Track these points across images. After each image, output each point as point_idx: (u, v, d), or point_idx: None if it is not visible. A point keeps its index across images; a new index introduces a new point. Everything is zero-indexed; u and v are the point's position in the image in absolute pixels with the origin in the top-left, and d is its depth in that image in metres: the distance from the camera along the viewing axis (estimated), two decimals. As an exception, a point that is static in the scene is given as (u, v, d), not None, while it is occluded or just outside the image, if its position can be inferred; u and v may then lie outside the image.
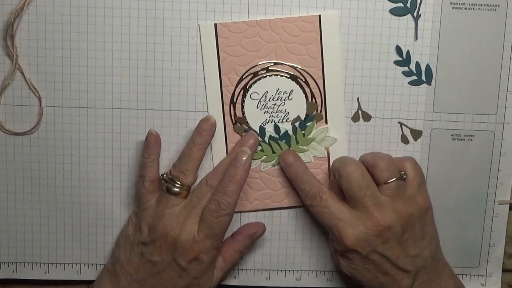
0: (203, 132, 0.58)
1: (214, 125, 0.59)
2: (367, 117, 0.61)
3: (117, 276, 0.58)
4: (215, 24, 0.59)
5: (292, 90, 0.60)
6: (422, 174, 0.58)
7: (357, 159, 0.60)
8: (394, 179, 0.56)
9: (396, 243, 0.55)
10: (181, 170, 0.57)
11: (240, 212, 0.62)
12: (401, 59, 0.60)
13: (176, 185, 0.57)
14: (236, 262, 0.61)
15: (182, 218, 0.56)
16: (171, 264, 0.56)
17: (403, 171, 0.57)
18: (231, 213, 0.56)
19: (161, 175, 0.58)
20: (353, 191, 0.55)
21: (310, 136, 0.61)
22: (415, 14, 0.59)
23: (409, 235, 0.56)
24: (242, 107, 0.60)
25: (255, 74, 0.60)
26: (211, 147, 0.60)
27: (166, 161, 0.61)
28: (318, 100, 0.60)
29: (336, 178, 0.58)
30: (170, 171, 0.58)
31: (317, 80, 0.60)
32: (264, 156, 0.61)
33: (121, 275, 0.58)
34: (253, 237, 0.61)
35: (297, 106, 0.60)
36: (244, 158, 0.56)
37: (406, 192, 0.57)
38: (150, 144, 0.59)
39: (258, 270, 0.64)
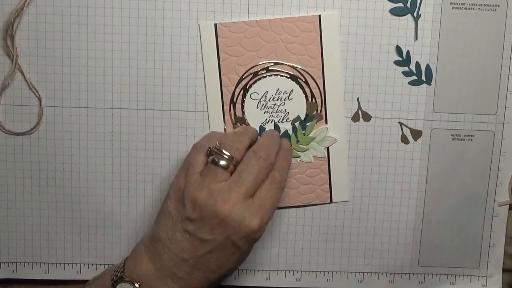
0: None
1: None
2: (367, 117, 0.61)
3: (160, 255, 0.54)
4: (215, 24, 0.59)
5: (292, 90, 0.60)
6: None
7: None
8: None
9: None
10: (238, 141, 0.55)
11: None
12: (401, 59, 0.60)
13: (225, 156, 0.54)
14: None
15: (234, 196, 0.52)
16: (225, 243, 0.53)
17: None
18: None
19: (208, 148, 0.55)
20: None
21: (310, 136, 0.61)
22: (415, 14, 0.59)
23: None
24: (242, 107, 0.60)
25: (255, 74, 0.60)
26: (211, 147, 0.61)
27: (165, 161, 0.61)
28: (318, 100, 0.60)
29: None
30: (218, 143, 0.55)
31: (317, 80, 0.60)
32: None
33: (164, 255, 0.54)
34: None
35: (297, 106, 0.60)
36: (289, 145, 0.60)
37: None
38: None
39: (258, 270, 0.64)
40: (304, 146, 0.61)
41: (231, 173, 0.54)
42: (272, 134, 0.58)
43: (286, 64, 0.60)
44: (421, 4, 0.59)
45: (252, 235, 0.53)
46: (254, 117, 0.60)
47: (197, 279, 0.54)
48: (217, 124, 0.60)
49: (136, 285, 0.53)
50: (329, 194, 0.62)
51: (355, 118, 0.61)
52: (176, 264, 0.53)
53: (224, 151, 0.54)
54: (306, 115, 0.61)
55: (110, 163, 0.61)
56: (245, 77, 0.60)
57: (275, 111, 0.60)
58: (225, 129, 0.60)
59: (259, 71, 0.60)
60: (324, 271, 0.64)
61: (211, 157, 0.54)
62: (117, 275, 0.54)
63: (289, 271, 0.64)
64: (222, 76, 0.60)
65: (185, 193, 0.54)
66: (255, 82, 0.60)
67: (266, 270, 0.64)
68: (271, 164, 0.55)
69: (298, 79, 0.60)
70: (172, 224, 0.54)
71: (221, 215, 0.52)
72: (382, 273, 0.64)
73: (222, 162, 0.54)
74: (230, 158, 0.54)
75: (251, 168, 0.53)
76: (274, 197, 0.54)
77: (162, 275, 0.53)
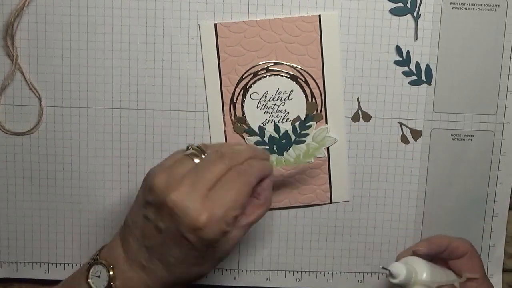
0: None
1: None
2: (367, 117, 0.61)
3: (127, 240, 0.51)
4: (215, 24, 0.59)
5: (292, 90, 0.60)
6: None
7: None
8: None
9: None
10: (220, 144, 0.54)
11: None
12: (401, 59, 0.60)
13: (196, 148, 0.51)
14: (259, 217, 0.53)
15: (187, 184, 0.48)
16: (176, 235, 0.49)
17: None
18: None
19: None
20: None
21: (310, 136, 0.61)
22: (415, 14, 0.59)
23: None
24: (242, 107, 0.60)
25: (255, 74, 0.60)
26: (211, 147, 0.61)
27: (166, 161, 0.61)
28: (318, 100, 0.60)
29: None
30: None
31: (317, 80, 0.60)
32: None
33: (130, 239, 0.51)
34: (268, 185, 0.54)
35: (297, 106, 0.60)
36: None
37: None
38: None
39: (258, 270, 0.64)
40: (304, 146, 0.61)
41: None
42: (251, 145, 0.56)
43: (286, 64, 0.60)
44: (421, 4, 0.59)
45: (200, 232, 0.48)
46: (254, 117, 0.60)
47: (160, 271, 0.50)
48: (217, 124, 0.60)
49: (107, 265, 0.51)
50: (329, 194, 0.62)
51: (355, 118, 0.61)
52: (139, 250, 0.50)
53: (199, 146, 0.52)
54: (306, 115, 0.61)
55: (110, 163, 0.61)
56: (245, 77, 0.60)
57: (275, 111, 0.60)
58: (225, 130, 0.60)
59: (259, 71, 0.60)
60: (324, 271, 0.64)
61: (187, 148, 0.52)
62: (93, 258, 0.52)
63: (289, 271, 0.64)
64: (222, 76, 0.60)
65: (148, 175, 0.51)
66: (255, 82, 0.60)
67: (266, 270, 0.64)
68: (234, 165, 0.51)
69: (298, 79, 0.60)
70: (137, 208, 0.51)
71: (170, 203, 0.48)
72: (382, 273, 0.64)
73: (190, 152, 0.51)
74: (201, 151, 0.51)
75: (212, 160, 0.50)
76: (238, 192, 0.49)
77: (130, 261, 0.51)
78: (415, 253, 0.53)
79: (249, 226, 0.52)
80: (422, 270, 0.51)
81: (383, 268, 0.51)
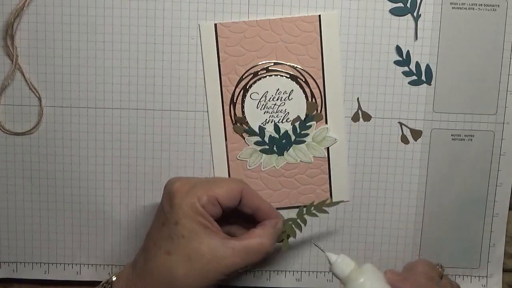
0: None
1: None
2: (367, 117, 0.61)
3: None
4: (215, 24, 0.59)
5: (292, 90, 0.60)
6: None
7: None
8: None
9: None
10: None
11: (240, 212, 0.62)
12: (401, 59, 0.60)
13: None
14: (251, 246, 0.53)
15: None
16: (158, 209, 0.54)
17: None
18: None
19: None
20: None
21: (310, 136, 0.61)
22: (415, 14, 0.59)
23: None
24: (242, 107, 0.60)
25: (255, 74, 0.60)
26: (211, 147, 0.61)
27: (165, 161, 0.61)
28: (318, 100, 0.60)
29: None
30: None
31: (317, 80, 0.60)
32: (264, 155, 0.61)
33: None
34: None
35: (297, 106, 0.60)
36: None
37: None
38: None
39: (258, 270, 0.64)
40: (304, 146, 0.61)
41: None
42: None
43: (286, 64, 0.60)
44: (421, 4, 0.59)
45: (172, 197, 0.52)
46: (254, 117, 0.60)
47: (140, 261, 0.53)
48: (217, 124, 0.60)
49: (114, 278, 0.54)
50: (329, 194, 0.62)
51: (355, 118, 0.61)
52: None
53: None
54: (306, 115, 0.61)
55: (110, 163, 0.61)
56: (245, 77, 0.60)
57: (275, 111, 0.60)
58: (225, 130, 0.60)
59: (259, 71, 0.60)
60: (324, 271, 0.64)
61: None
62: None
63: (289, 271, 0.64)
64: (222, 76, 0.60)
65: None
66: (255, 82, 0.60)
67: (266, 270, 0.64)
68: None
69: (298, 79, 0.60)
70: None
71: (166, 183, 0.55)
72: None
73: None
74: None
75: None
76: (223, 182, 0.54)
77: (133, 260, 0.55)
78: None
79: (238, 253, 0.51)
80: (360, 275, 0.50)
81: (315, 244, 0.53)
